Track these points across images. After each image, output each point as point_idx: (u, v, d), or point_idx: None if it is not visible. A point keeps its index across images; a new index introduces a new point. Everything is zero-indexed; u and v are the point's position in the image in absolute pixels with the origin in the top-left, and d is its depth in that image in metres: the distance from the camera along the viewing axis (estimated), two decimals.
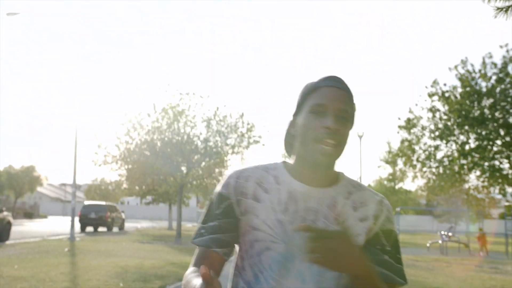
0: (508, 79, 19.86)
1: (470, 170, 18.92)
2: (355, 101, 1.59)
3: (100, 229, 33.59)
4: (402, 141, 20.33)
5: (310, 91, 1.56)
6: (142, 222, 59.94)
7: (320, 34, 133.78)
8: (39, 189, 74.79)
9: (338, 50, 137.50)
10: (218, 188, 1.61)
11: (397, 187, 62.80)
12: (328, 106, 1.49)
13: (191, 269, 1.55)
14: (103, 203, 33.54)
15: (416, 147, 19.92)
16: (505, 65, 20.21)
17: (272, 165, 1.65)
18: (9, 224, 19.96)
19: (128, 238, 24.83)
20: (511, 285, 13.06)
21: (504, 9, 5.68)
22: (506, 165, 18.71)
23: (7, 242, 18.97)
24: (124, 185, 34.55)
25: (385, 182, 63.21)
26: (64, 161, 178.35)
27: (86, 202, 32.36)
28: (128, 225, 43.23)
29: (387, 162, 63.70)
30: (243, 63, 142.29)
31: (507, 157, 18.59)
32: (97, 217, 31.92)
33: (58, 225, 37.87)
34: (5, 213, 19.83)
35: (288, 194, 1.55)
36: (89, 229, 32.93)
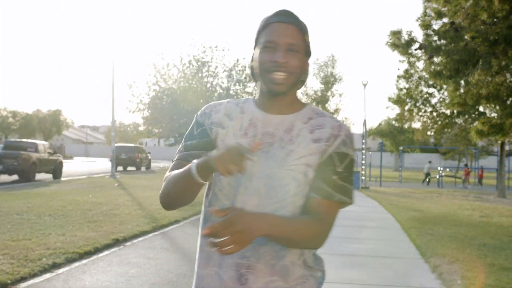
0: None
1: (459, 114, 21.69)
2: (308, 30, 1.69)
3: (129, 168, 36.97)
4: (401, 89, 23.09)
5: (262, 28, 1.67)
6: (162, 162, 63.39)
7: None
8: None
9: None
10: (197, 116, 1.80)
11: (406, 126, 65.13)
12: (278, 41, 1.61)
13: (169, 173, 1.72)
14: (132, 145, 36.90)
15: (414, 94, 22.63)
16: None
17: (244, 99, 1.80)
18: (61, 164, 23.21)
19: (159, 176, 27.88)
20: (482, 207, 15.96)
21: None
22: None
23: (62, 179, 22.23)
24: (142, 127, 37.46)
25: (393, 122, 65.56)
26: (83, 104, 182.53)
27: (117, 144, 35.49)
28: (152, 164, 46.50)
29: (394, 103, 65.77)
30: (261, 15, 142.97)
31: None
32: (127, 158, 35.31)
33: (89, 165, 41.26)
34: (57, 154, 23.08)
35: (249, 121, 1.70)
36: (119, 168, 36.18)
